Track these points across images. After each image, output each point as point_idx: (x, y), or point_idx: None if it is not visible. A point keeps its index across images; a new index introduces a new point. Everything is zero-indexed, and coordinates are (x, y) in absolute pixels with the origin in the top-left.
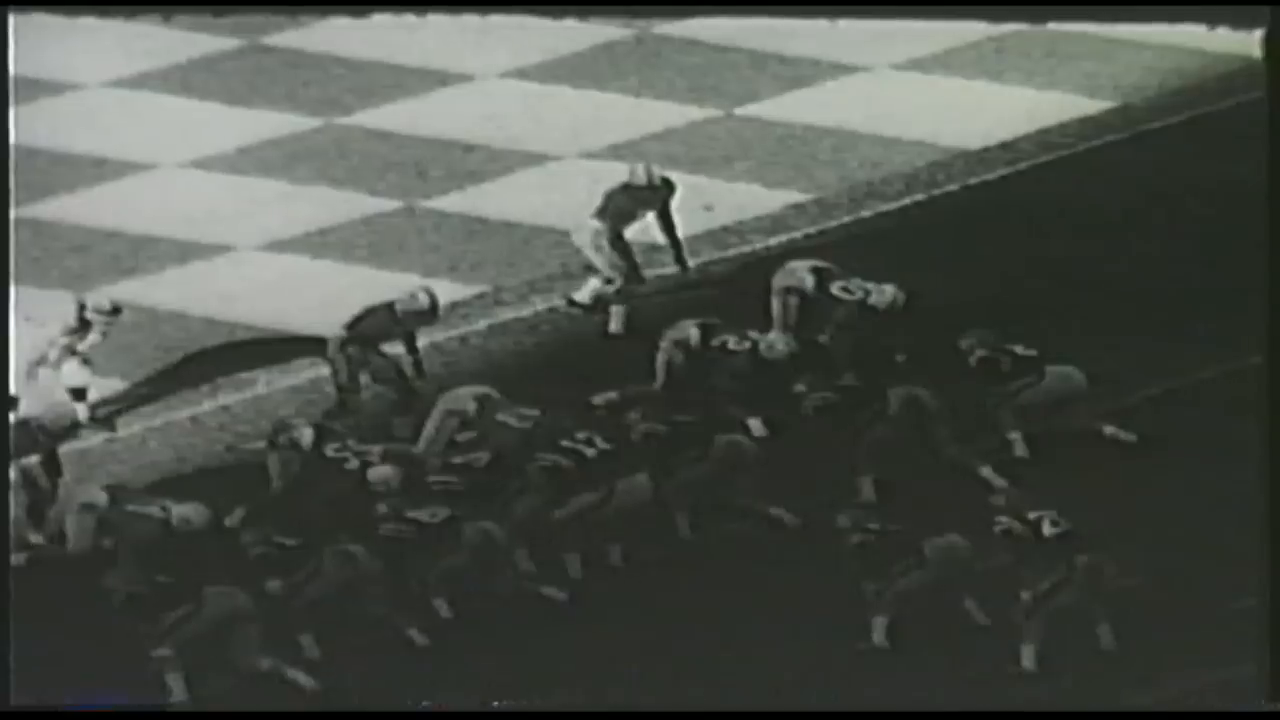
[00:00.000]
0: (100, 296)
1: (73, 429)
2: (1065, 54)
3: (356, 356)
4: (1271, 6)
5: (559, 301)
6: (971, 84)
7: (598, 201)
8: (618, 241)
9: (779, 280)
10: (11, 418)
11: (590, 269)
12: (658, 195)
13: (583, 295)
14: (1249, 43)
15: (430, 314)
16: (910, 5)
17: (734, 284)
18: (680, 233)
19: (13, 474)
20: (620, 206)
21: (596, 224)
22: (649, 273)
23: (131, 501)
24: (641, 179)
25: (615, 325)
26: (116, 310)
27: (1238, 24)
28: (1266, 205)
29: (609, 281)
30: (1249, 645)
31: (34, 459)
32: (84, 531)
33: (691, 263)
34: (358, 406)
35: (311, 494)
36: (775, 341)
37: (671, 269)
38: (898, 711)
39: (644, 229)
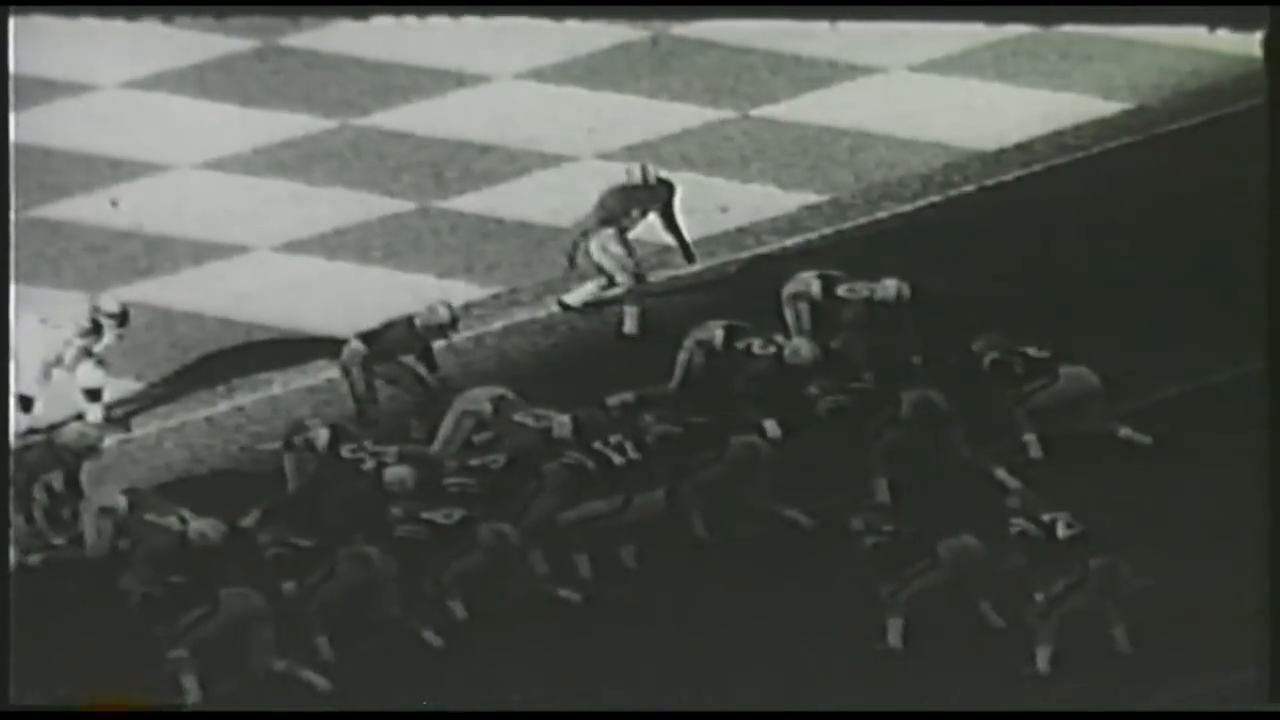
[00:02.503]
0: (109, 301)
1: (94, 449)
2: (1080, 56)
3: (374, 369)
4: (1271, 7)
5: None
6: (987, 85)
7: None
8: (617, 241)
9: (788, 289)
10: (27, 419)
11: (600, 270)
12: (655, 195)
13: (574, 299)
14: (1249, 44)
15: (450, 327)
16: (913, 6)
17: (745, 285)
18: (693, 233)
19: (36, 487)
20: (612, 208)
21: (592, 225)
22: (661, 273)
23: (149, 509)
24: (637, 179)
25: (630, 326)
26: (124, 314)
27: (1238, 25)
28: (1268, 208)
29: (610, 284)
30: (1263, 647)
31: (55, 474)
32: (102, 536)
33: (705, 263)
34: (377, 416)
35: (327, 495)
36: (800, 347)
37: (685, 270)
38: (912, 713)
39: (650, 229)
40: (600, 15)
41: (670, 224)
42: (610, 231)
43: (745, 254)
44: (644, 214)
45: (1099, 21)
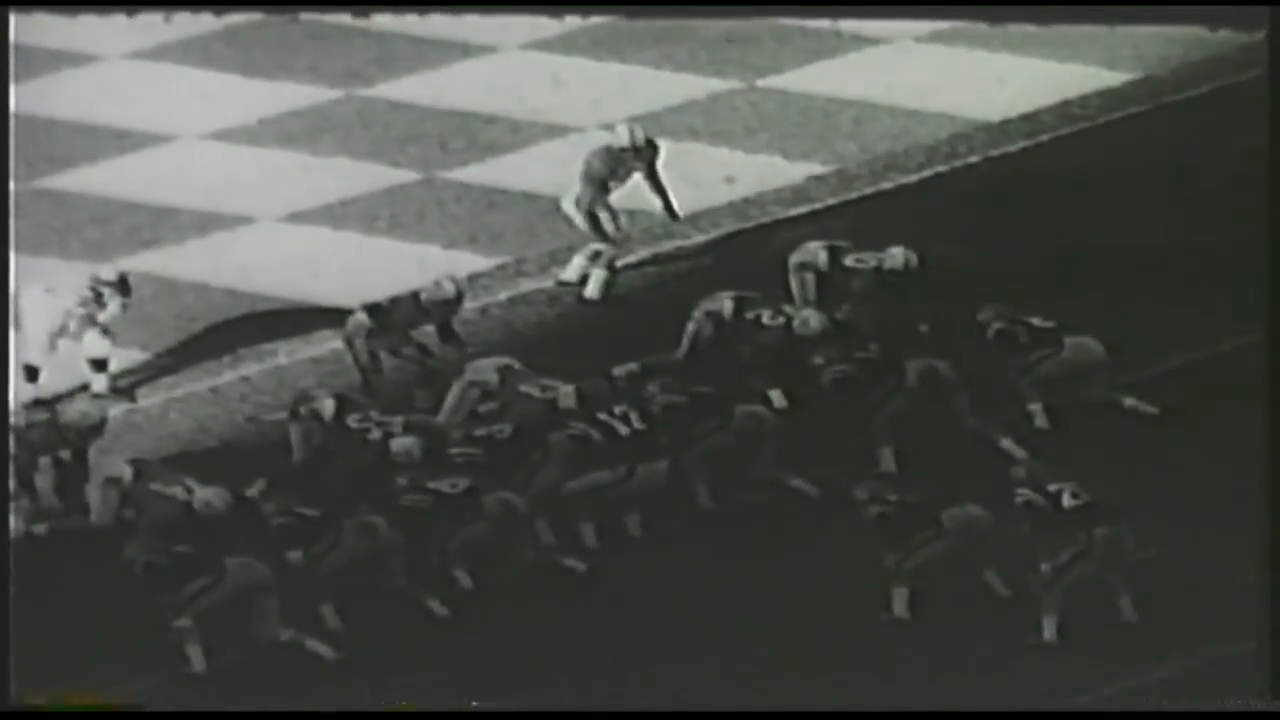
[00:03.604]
0: (108, 269)
1: (99, 429)
2: (1087, 26)
3: (378, 343)
4: (1272, 7)
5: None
6: (993, 56)
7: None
8: (600, 204)
9: (794, 258)
10: (33, 389)
11: (597, 238)
12: (641, 156)
13: (569, 274)
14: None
15: (456, 302)
16: (913, 5)
17: (751, 255)
18: (699, 204)
19: (42, 462)
20: (598, 170)
21: (578, 188)
22: (670, 244)
23: (155, 479)
24: (625, 141)
25: (592, 291)
26: (124, 282)
27: (1239, 26)
28: (1266, 207)
29: (597, 255)
30: (1264, 626)
31: (62, 451)
32: (107, 505)
33: (711, 234)
34: (381, 387)
35: (333, 465)
36: (810, 318)
37: (691, 240)
38: (918, 683)
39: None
40: (599, 13)
41: (655, 183)
42: (584, 193)
43: (751, 224)
44: (629, 176)
45: (1100, 20)
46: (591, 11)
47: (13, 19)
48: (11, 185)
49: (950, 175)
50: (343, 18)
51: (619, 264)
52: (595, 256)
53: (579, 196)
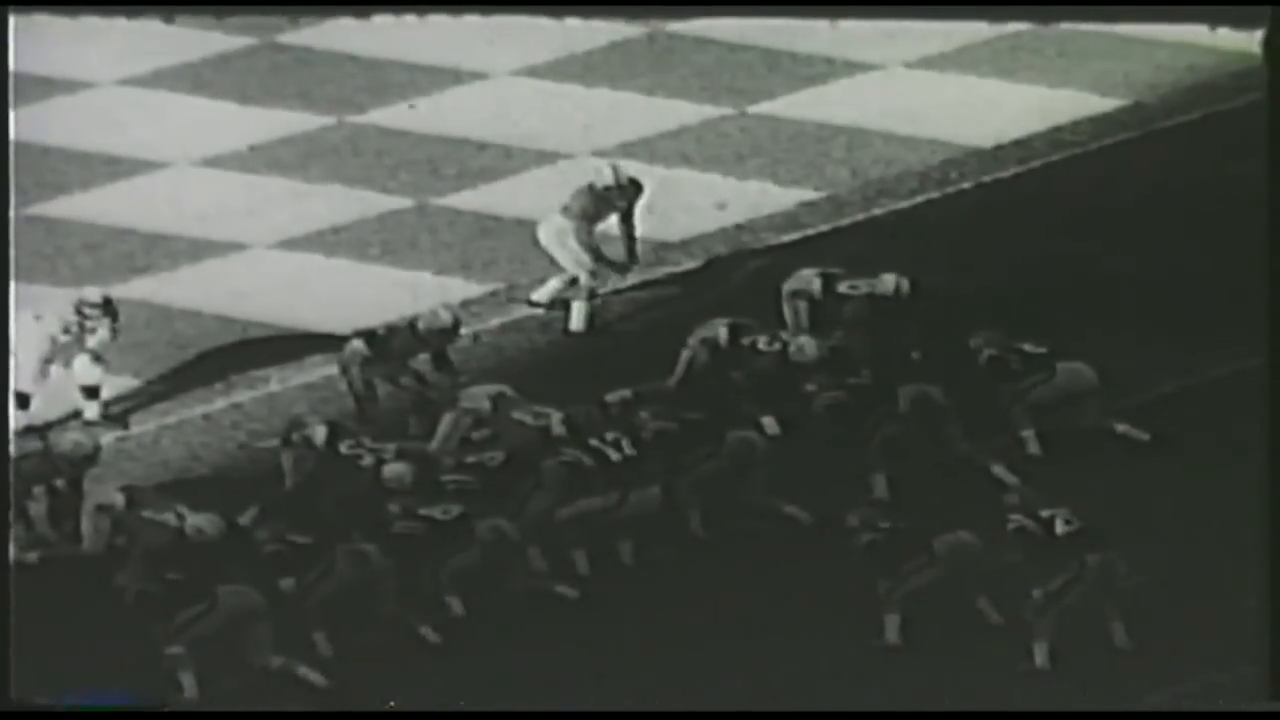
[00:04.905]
0: (92, 292)
1: (93, 458)
2: (1078, 52)
3: (374, 371)
4: (1271, 6)
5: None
6: (984, 82)
7: (564, 199)
8: (585, 239)
9: (788, 286)
10: (25, 416)
11: (584, 273)
12: (625, 196)
13: (541, 295)
14: (1249, 42)
15: (453, 331)
16: (915, 5)
17: (743, 282)
18: (691, 230)
19: (36, 491)
20: (586, 207)
21: (562, 221)
22: (662, 270)
23: (147, 505)
24: (609, 180)
25: (576, 323)
26: (108, 304)
27: (1238, 24)
28: (1267, 208)
29: (573, 282)
30: (1262, 644)
31: (58, 482)
32: (99, 532)
33: (702, 260)
34: (377, 415)
35: (325, 492)
36: (806, 345)
37: (685, 265)
38: (911, 709)
39: (660, 225)
40: (600, 14)
41: (627, 226)
42: (569, 227)
43: (743, 251)
44: (611, 214)
45: (1099, 20)
46: (591, 14)
47: (12, 21)
48: (10, 210)
49: (942, 201)
50: (334, 45)
51: (599, 293)
52: (573, 284)
53: (562, 230)
